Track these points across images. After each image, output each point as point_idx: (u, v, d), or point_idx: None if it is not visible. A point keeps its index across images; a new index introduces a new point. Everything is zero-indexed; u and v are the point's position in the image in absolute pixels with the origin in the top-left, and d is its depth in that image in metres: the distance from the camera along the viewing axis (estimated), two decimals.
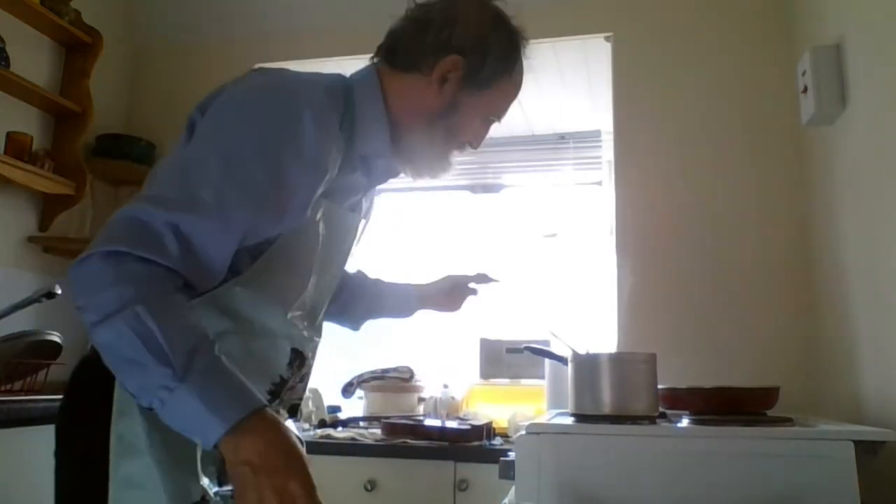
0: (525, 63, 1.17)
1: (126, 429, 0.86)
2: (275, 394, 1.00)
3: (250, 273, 0.93)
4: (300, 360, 1.04)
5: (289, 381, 1.03)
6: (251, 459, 0.73)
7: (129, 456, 0.86)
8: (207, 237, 0.82)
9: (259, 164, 0.86)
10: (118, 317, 0.74)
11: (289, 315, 1.01)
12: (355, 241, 1.18)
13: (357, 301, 1.40)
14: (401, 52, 1.08)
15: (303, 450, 0.79)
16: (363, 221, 1.20)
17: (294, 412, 1.11)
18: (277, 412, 0.98)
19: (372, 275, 1.46)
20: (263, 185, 0.87)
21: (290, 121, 0.89)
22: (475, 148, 1.15)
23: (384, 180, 1.18)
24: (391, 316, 1.47)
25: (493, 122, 1.17)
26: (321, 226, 1.00)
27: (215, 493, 0.90)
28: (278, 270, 0.96)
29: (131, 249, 0.76)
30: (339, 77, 1.06)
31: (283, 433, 0.76)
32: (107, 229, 0.79)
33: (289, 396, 1.07)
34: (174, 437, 0.79)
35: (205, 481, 0.89)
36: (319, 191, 0.96)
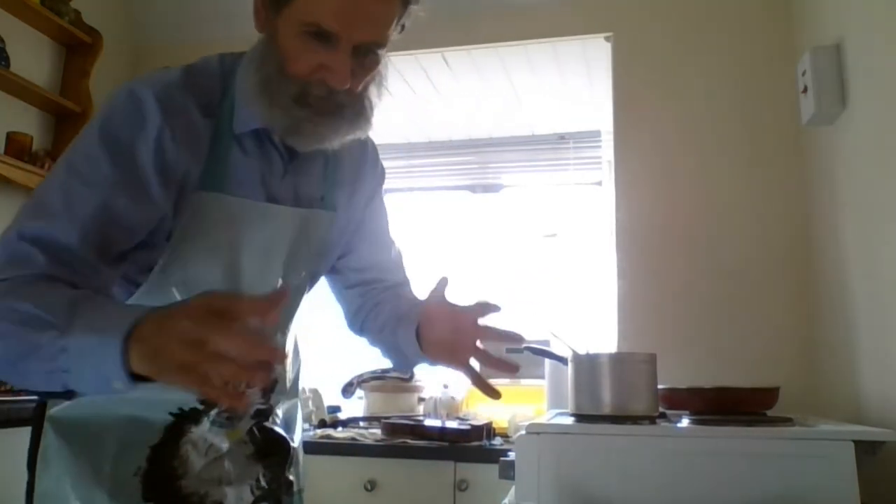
0: None
1: (45, 444, 0.93)
2: (209, 403, 0.96)
3: (153, 277, 0.92)
4: None
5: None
6: (154, 353, 0.64)
7: (47, 471, 0.93)
8: (63, 236, 0.80)
9: (100, 152, 0.85)
10: None
11: None
12: (296, 234, 1.01)
13: (371, 326, 1.18)
14: None
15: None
16: (323, 213, 1.05)
17: (266, 414, 1.05)
18: (230, 422, 0.99)
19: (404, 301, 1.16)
20: (106, 168, 0.84)
21: (128, 110, 0.87)
22: (338, 83, 0.88)
23: (302, 159, 1.01)
24: (391, 359, 1.20)
25: (333, 41, 0.87)
26: (198, 223, 0.92)
27: None
28: (174, 273, 0.92)
29: None
30: (228, 56, 0.99)
31: (175, 317, 0.64)
32: None
33: (251, 409, 1.02)
34: (82, 450, 0.88)
35: (117, 494, 0.91)
36: (177, 176, 0.89)
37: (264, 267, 0.98)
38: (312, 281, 1.14)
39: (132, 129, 0.86)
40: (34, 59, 2.51)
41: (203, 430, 0.98)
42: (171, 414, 0.96)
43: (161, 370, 0.63)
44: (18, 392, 2.03)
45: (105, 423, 0.94)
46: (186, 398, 0.95)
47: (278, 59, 0.89)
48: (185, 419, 0.97)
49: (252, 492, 1.04)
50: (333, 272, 1.19)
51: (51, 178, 0.87)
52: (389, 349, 1.14)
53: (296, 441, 1.13)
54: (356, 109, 0.94)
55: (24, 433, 1.65)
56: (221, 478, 1.00)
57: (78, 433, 0.94)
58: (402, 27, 0.97)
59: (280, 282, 1.00)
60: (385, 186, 1.24)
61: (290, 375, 1.13)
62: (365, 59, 0.90)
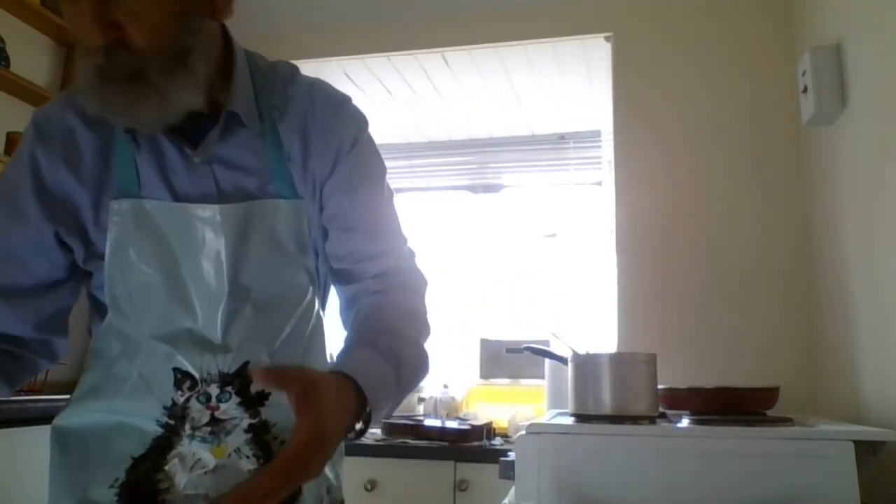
0: None
1: (49, 455, 0.92)
2: (176, 417, 0.90)
3: (104, 296, 0.91)
4: (191, 382, 0.90)
5: (190, 405, 0.90)
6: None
7: (49, 483, 0.92)
8: None
9: None
10: None
11: (159, 332, 0.90)
12: (255, 234, 0.90)
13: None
14: None
15: None
16: (283, 203, 0.91)
17: (259, 430, 0.96)
18: (215, 435, 0.91)
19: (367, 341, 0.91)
20: None
21: (25, 138, 0.90)
22: (88, 43, 0.77)
23: (182, 148, 0.90)
24: None
25: None
26: (124, 233, 0.88)
27: None
28: (114, 286, 0.89)
29: None
30: None
31: None
32: None
33: (232, 425, 0.93)
34: (70, 458, 0.88)
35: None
36: (64, 195, 0.88)
37: (206, 271, 0.88)
38: (319, 282, 0.99)
39: (17, 161, 0.88)
40: (34, 59, 2.51)
41: (188, 445, 0.92)
42: (158, 424, 0.90)
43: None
44: (19, 392, 2.03)
45: (95, 430, 0.92)
46: (155, 412, 0.90)
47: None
48: (171, 430, 0.92)
49: None
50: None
51: None
52: None
53: None
54: (162, 68, 0.78)
55: (25, 433, 1.66)
56: (207, 492, 0.93)
57: (70, 442, 0.93)
58: None
59: (238, 287, 0.89)
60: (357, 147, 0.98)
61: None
62: (126, 2, 0.75)
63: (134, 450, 0.92)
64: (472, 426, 2.05)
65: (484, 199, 3.17)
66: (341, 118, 0.97)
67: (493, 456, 1.86)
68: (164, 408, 0.90)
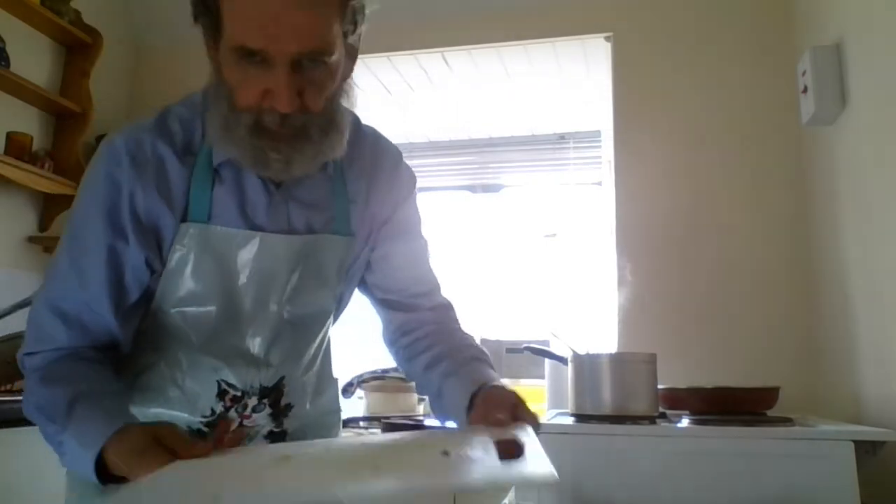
0: None
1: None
2: (213, 426, 0.98)
3: (152, 310, 0.97)
4: (233, 394, 0.98)
5: (228, 415, 0.98)
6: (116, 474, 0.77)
7: (70, 484, 0.99)
8: (78, 304, 0.91)
9: (92, 213, 0.91)
10: (26, 400, 0.92)
11: (209, 347, 0.97)
12: (309, 264, 0.98)
13: (418, 374, 1.08)
14: None
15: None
16: (341, 238, 1.00)
17: (279, 437, 1.05)
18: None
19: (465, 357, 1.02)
20: (99, 228, 0.91)
21: (108, 168, 0.92)
22: (284, 108, 0.82)
23: (268, 185, 0.96)
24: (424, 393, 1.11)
25: (269, 63, 0.81)
26: (188, 254, 0.93)
27: None
28: (165, 301, 0.95)
29: (27, 350, 0.93)
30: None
31: (133, 441, 0.77)
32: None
33: (255, 431, 1.01)
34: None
35: None
36: (153, 224, 0.92)
37: (264, 294, 0.97)
38: (339, 304, 1.10)
39: (112, 187, 0.91)
40: (34, 59, 2.51)
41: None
42: (188, 428, 0.97)
43: (127, 476, 0.75)
44: (18, 392, 2.03)
45: None
46: (191, 420, 0.97)
47: (227, 93, 0.86)
48: (199, 436, 0.97)
49: None
50: (363, 285, 1.12)
51: (61, 244, 0.93)
52: (428, 390, 1.05)
53: None
54: (322, 127, 0.88)
55: (25, 433, 1.65)
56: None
57: None
58: (356, 25, 0.89)
59: (285, 310, 0.99)
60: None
61: (309, 398, 1.07)
62: (313, 73, 0.83)
63: None
64: None
65: (484, 199, 3.17)
66: (401, 172, 1.11)
67: None
68: (203, 416, 0.97)
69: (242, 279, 0.95)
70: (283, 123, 0.84)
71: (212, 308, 0.95)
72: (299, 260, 0.98)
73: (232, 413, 0.98)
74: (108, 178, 0.91)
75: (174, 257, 0.93)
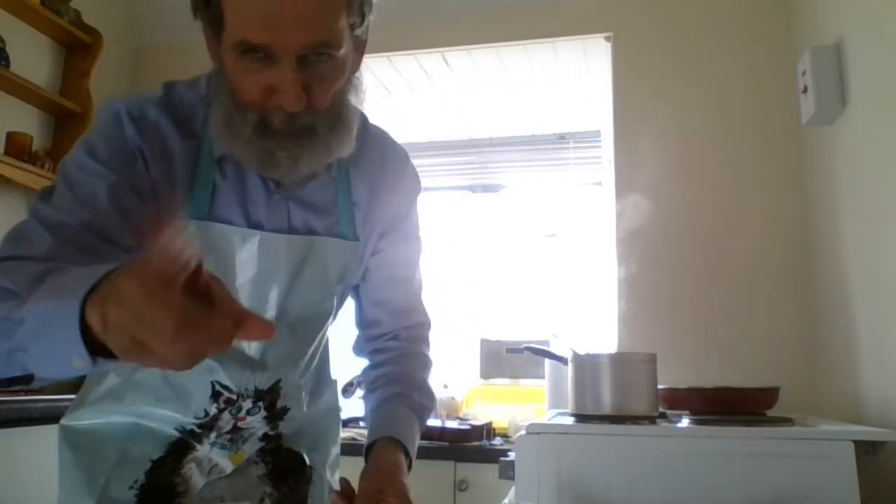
0: None
1: (59, 456, 0.93)
2: (206, 427, 0.95)
3: None
4: (227, 396, 0.94)
5: (222, 416, 0.95)
6: (106, 321, 0.52)
7: (60, 484, 0.94)
8: (71, 219, 0.78)
9: (89, 161, 0.83)
10: None
11: None
12: (310, 265, 0.95)
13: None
14: None
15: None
16: (342, 243, 0.97)
17: (273, 439, 1.03)
18: (234, 443, 0.98)
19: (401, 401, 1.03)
20: (98, 168, 0.83)
21: (108, 125, 0.86)
22: (292, 106, 0.79)
23: (268, 182, 0.93)
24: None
25: (272, 59, 0.77)
26: (208, 250, 0.88)
27: None
28: None
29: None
30: (211, 79, 0.92)
31: (126, 283, 0.50)
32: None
33: (249, 433, 0.99)
34: (83, 459, 0.90)
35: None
36: (142, 189, 0.85)
37: (260, 295, 0.93)
38: (338, 305, 1.07)
39: (114, 139, 0.85)
40: (34, 59, 2.51)
41: (207, 450, 0.97)
42: (178, 430, 0.95)
43: (110, 341, 0.52)
44: (18, 392, 2.03)
45: (110, 431, 0.94)
46: (184, 420, 0.94)
47: (230, 90, 0.83)
48: (191, 436, 0.96)
49: None
50: (353, 292, 1.11)
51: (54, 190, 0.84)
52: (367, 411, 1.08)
53: (318, 462, 1.08)
54: (329, 124, 0.84)
55: (25, 433, 1.66)
56: (223, 497, 0.98)
57: (82, 441, 0.94)
58: (363, 16, 0.86)
59: (283, 312, 0.95)
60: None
61: (306, 401, 1.06)
62: (320, 67, 0.80)
63: (151, 453, 0.94)
64: (472, 426, 2.05)
65: (484, 199, 3.17)
66: (408, 175, 1.10)
67: (493, 456, 1.86)
68: (196, 417, 0.94)
69: (240, 279, 0.91)
70: (292, 122, 0.81)
71: None
72: (299, 261, 0.94)
73: (226, 415, 0.95)
74: (112, 137, 0.85)
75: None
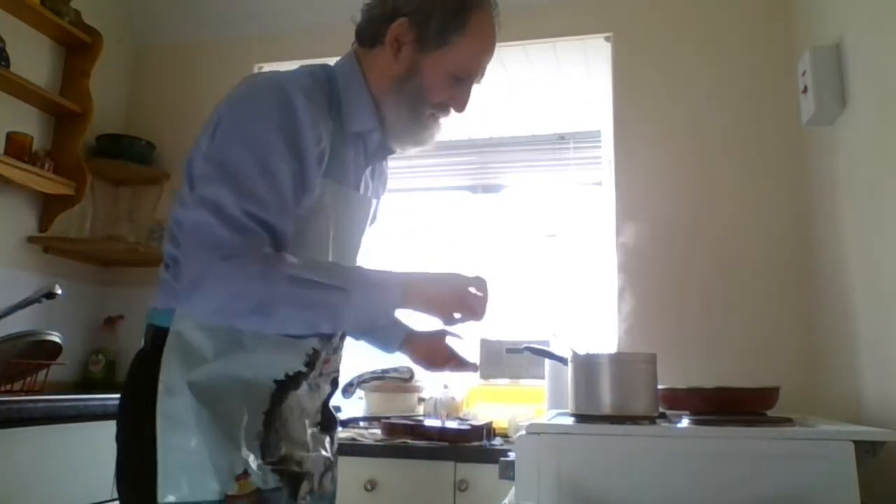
0: (495, 22, 1.18)
1: (173, 408, 0.95)
2: (310, 364, 1.09)
3: None
4: (329, 334, 1.11)
5: (322, 353, 1.11)
6: (428, 303, 1.05)
7: (178, 432, 0.94)
8: (277, 222, 0.99)
9: (276, 141, 0.99)
10: (277, 291, 0.96)
11: None
12: (368, 221, 1.23)
13: None
14: (365, 29, 1.16)
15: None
16: (374, 201, 1.25)
17: (335, 384, 1.23)
18: (318, 385, 1.16)
19: None
20: (286, 154, 1.00)
21: (285, 111, 1.00)
22: (460, 111, 1.19)
23: (381, 157, 1.26)
24: (373, 344, 1.34)
25: (467, 80, 1.17)
26: (328, 206, 1.08)
27: (258, 467, 0.98)
28: (298, 252, 1.02)
29: (226, 254, 0.96)
30: (322, 66, 1.14)
31: (428, 279, 1.07)
32: (197, 236, 0.96)
33: (326, 370, 1.16)
34: (221, 413, 0.95)
35: (248, 455, 0.97)
36: (322, 168, 1.06)
37: (355, 248, 1.20)
38: None
39: (292, 122, 1.00)
40: (34, 59, 2.51)
41: (298, 395, 1.08)
42: (274, 381, 1.04)
43: (431, 307, 1.06)
44: (18, 392, 2.03)
45: (228, 387, 0.99)
46: (293, 363, 1.06)
47: (420, 88, 1.12)
48: (286, 385, 1.06)
49: (324, 462, 1.14)
50: None
51: (239, 160, 0.98)
52: (369, 336, 1.31)
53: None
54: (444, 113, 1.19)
55: (25, 433, 1.66)
56: (306, 443, 1.10)
57: (213, 397, 0.98)
58: None
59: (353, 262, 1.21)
60: (388, 186, 1.37)
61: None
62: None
63: (260, 404, 1.03)
64: (472, 426, 2.05)
65: (484, 199, 3.16)
66: (385, 169, 1.38)
67: (493, 456, 1.86)
68: (307, 355, 1.08)
69: (343, 234, 1.13)
70: (443, 114, 1.19)
71: (323, 258, 1.09)
72: (365, 218, 1.22)
73: (322, 355, 1.12)
74: (286, 108, 1.00)
75: (316, 210, 1.06)
